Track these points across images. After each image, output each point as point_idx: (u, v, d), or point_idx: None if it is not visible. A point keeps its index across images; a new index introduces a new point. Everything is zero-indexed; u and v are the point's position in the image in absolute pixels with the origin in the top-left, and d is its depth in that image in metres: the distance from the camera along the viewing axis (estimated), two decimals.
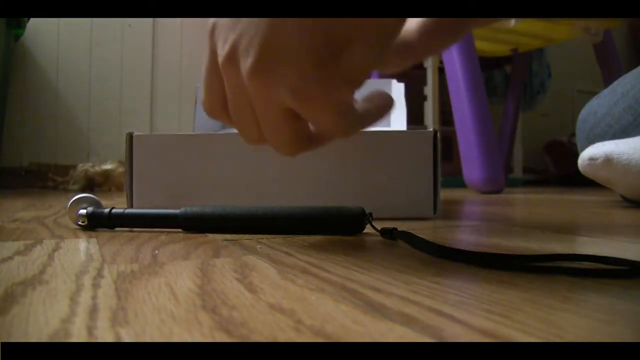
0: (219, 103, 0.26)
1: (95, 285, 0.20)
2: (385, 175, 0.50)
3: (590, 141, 0.77)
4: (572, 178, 1.97)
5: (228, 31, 0.23)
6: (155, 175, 0.50)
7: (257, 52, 0.22)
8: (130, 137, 0.50)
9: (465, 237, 0.37)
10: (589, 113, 0.80)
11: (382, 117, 0.27)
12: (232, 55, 0.23)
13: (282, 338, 0.14)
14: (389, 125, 0.76)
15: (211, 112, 0.27)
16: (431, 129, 0.50)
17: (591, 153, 0.68)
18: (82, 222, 0.39)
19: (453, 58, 1.25)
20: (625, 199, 0.75)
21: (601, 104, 0.78)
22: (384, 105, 0.26)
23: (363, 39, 0.22)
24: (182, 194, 0.50)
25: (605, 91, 0.80)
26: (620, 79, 0.79)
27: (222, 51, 0.23)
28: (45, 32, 1.57)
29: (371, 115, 0.26)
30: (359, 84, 0.24)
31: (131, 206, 0.50)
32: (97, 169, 1.36)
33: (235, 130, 0.27)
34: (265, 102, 0.23)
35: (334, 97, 0.23)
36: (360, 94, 0.25)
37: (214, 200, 0.50)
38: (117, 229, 0.39)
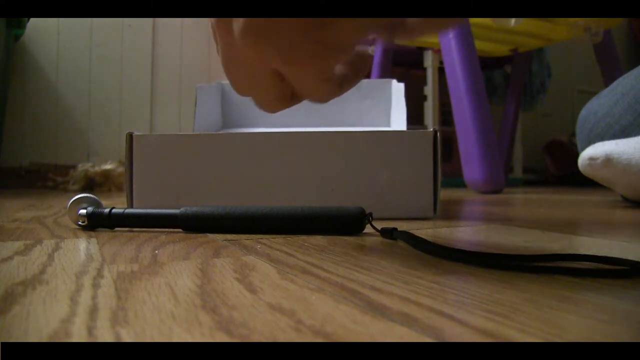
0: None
1: (95, 285, 0.20)
2: (385, 175, 0.50)
3: (590, 141, 0.77)
4: (572, 178, 1.97)
5: None
6: (155, 175, 0.50)
7: (290, 38, 0.22)
8: (130, 137, 0.50)
9: (465, 237, 0.37)
10: (588, 113, 0.80)
11: (359, 78, 0.27)
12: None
13: (282, 338, 0.14)
14: (389, 125, 0.76)
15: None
16: (431, 129, 0.50)
17: (591, 153, 0.68)
18: (82, 222, 0.39)
19: (453, 58, 1.25)
20: (625, 199, 0.75)
21: (601, 104, 0.78)
22: (361, 65, 0.27)
23: None
24: (182, 194, 0.50)
25: (605, 91, 0.80)
26: (620, 79, 0.79)
27: (235, 25, 0.24)
28: (45, 32, 1.57)
29: (349, 79, 0.27)
30: (345, 53, 0.24)
31: (131, 206, 0.50)
32: (97, 169, 1.36)
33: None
34: (254, 60, 0.24)
35: (319, 64, 0.23)
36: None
37: (214, 200, 0.50)
38: (117, 229, 0.39)
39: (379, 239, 0.35)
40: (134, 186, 0.50)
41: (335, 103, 0.77)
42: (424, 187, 0.50)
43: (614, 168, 0.65)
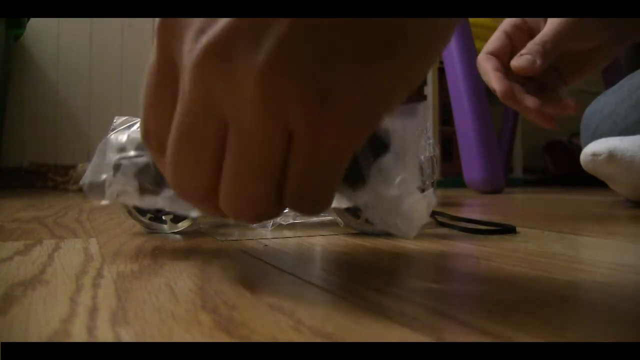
0: (163, 126, 0.19)
1: (95, 285, 0.20)
2: None
3: (595, 139, 0.76)
4: (572, 178, 1.97)
5: (207, 21, 0.17)
6: None
7: (278, 44, 0.16)
8: None
9: (465, 237, 0.37)
10: (594, 111, 0.80)
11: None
12: (220, 49, 0.16)
13: (282, 338, 0.14)
14: None
15: (146, 139, 0.20)
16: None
17: (594, 148, 0.68)
18: None
19: (453, 58, 1.25)
20: (628, 199, 0.74)
21: (608, 102, 0.78)
22: None
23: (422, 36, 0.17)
24: None
25: (612, 89, 0.80)
26: (628, 77, 0.79)
27: (199, 44, 0.17)
28: (45, 32, 1.57)
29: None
30: (404, 93, 0.18)
31: None
32: None
33: None
34: (264, 119, 0.16)
35: (365, 109, 0.17)
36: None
37: None
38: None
39: (379, 239, 0.35)
40: None
41: None
42: None
43: (617, 165, 0.65)
